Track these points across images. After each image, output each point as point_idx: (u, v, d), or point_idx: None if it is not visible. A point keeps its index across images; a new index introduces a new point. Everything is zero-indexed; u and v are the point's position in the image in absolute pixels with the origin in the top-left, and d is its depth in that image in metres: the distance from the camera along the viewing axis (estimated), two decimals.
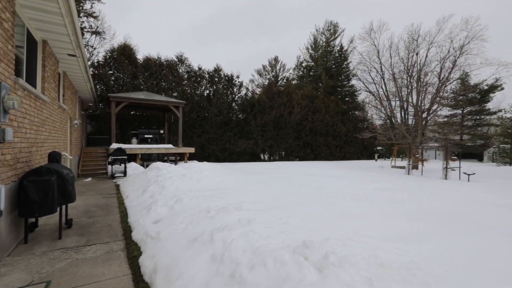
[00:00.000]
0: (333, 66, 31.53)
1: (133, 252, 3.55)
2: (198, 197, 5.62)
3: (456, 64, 17.67)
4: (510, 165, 28.06)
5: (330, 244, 3.05)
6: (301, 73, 35.21)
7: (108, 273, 2.94)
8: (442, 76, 18.02)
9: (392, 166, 19.44)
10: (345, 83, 31.71)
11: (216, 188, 7.05)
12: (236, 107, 21.77)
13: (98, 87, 16.37)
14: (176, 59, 19.74)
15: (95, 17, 18.55)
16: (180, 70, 19.86)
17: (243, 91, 22.46)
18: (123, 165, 10.92)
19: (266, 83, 29.71)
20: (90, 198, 6.78)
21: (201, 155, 18.73)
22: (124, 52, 17.51)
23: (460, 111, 33.10)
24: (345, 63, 31.37)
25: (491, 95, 31.24)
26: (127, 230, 4.43)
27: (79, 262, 3.18)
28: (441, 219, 4.97)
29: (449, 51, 17.83)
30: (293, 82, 33.64)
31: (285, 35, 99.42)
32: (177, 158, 15.58)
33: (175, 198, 5.47)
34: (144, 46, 25.34)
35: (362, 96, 29.57)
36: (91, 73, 15.95)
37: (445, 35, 18.03)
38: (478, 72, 31.37)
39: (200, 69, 20.36)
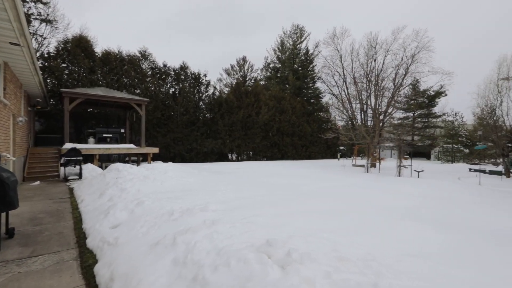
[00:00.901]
0: (300, 69, 32.54)
1: (87, 260, 3.28)
2: (161, 200, 5.40)
3: (408, 71, 19.38)
4: (452, 163, 31.50)
5: (294, 241, 3.14)
6: (268, 74, 35.74)
7: (57, 286, 2.69)
8: (396, 81, 19.64)
9: (353, 165, 20.65)
10: (310, 85, 32.92)
11: (181, 190, 6.84)
12: (203, 106, 21.37)
13: (48, 81, 14.85)
14: (139, 55, 18.74)
15: (45, 3, 16.80)
16: (144, 66, 18.90)
17: (211, 90, 22.14)
18: (78, 167, 10.06)
19: (234, 83, 29.62)
20: (38, 203, 6.13)
21: (166, 156, 18.02)
22: (80, 44, 16.13)
23: (412, 114, 36.39)
24: (311, 66, 32.57)
25: (437, 100, 34.83)
26: (81, 237, 4.09)
27: (22, 276, 2.86)
28: (393, 212, 5.40)
29: (402, 59, 19.49)
30: (261, 82, 34.02)
31: (253, 36, 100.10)
32: (140, 158, 14.82)
33: (136, 201, 5.19)
34: (104, 39, 23.80)
35: (326, 98, 31.00)
36: (40, 65, 14.48)
37: (399, 44, 19.68)
38: (426, 79, 34.65)
39: (165, 66, 19.58)
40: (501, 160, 18.81)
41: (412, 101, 28.58)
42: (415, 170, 14.98)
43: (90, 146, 12.23)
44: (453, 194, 8.49)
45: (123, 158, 14.99)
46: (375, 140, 18.76)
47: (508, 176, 16.68)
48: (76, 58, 15.48)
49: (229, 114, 21.31)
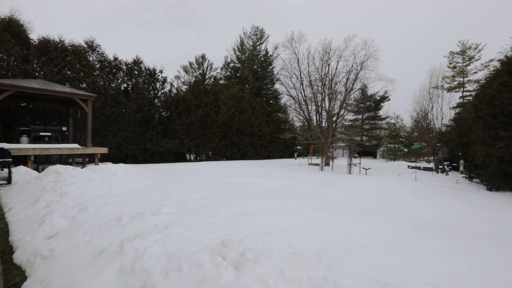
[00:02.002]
0: (259, 70, 33.00)
1: (14, 278, 2.85)
2: (109, 204, 4.96)
3: (358, 77, 20.97)
4: (394, 161, 35.07)
5: (250, 241, 3.14)
6: (228, 73, 35.54)
7: None
8: (347, 86, 21.09)
9: (309, 164, 21.64)
10: (269, 86, 33.60)
11: (132, 192, 6.37)
12: (159, 104, 20.28)
13: None
14: (85, 45, 16.94)
15: None
16: (91, 59, 17.16)
17: (167, 87, 21.11)
18: (6, 170, 8.72)
19: (193, 81, 28.77)
20: None
21: (117, 156, 16.66)
22: (10, 29, 13.98)
23: (361, 116, 39.65)
24: (270, 67, 33.26)
25: (382, 104, 38.53)
26: (6, 251, 3.54)
27: None
28: (343, 207, 5.79)
29: (352, 65, 21.01)
30: (221, 81, 33.67)
31: (212, 35, 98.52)
32: (86, 160, 13.44)
33: (78, 206, 4.67)
34: (43, 25, 20.79)
35: (284, 99, 31.95)
36: None
37: (350, 52, 21.15)
38: (373, 85, 38.09)
39: (116, 59, 18.06)
40: (432, 158, 21.56)
41: (361, 105, 31.09)
42: (363, 168, 16.32)
43: (23, 146, 10.69)
44: (396, 189, 9.47)
45: (65, 159, 13.42)
46: (329, 140, 19.92)
47: (437, 172, 19.20)
48: (4, 44, 13.39)
49: (187, 112, 20.59)
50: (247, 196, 6.50)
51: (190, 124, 20.68)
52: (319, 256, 2.89)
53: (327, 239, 3.56)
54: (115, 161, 15.41)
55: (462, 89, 27.58)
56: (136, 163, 16.00)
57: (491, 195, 10.23)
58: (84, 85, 16.01)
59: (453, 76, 27.87)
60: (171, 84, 21.76)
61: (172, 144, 19.22)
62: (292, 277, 2.28)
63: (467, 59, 26.99)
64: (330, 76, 21.11)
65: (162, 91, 20.43)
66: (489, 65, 22.16)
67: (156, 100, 19.96)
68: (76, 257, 2.95)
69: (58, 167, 7.34)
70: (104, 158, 14.95)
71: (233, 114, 24.16)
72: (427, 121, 21.46)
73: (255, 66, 33.09)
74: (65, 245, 3.29)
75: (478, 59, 26.21)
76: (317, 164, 19.63)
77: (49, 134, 12.46)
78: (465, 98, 27.11)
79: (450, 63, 28.00)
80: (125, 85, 18.42)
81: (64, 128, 13.22)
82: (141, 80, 18.81)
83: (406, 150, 35.89)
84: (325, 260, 2.81)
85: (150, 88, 19.46)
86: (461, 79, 27.57)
